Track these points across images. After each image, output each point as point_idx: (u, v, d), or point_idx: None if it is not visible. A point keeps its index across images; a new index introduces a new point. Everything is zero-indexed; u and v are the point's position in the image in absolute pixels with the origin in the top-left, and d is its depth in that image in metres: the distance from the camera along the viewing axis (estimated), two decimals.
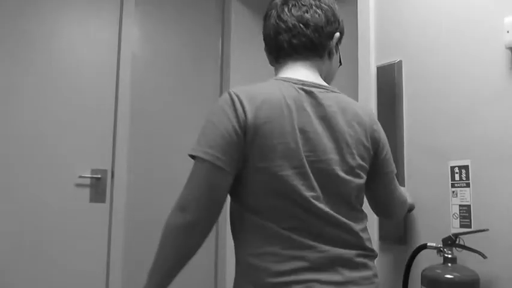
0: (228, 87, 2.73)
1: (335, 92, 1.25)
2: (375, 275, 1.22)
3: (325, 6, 1.28)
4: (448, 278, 1.41)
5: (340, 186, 1.17)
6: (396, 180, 1.40)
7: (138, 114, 2.54)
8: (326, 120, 1.17)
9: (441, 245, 1.49)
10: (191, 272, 2.59)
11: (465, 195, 1.56)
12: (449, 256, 1.46)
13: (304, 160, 1.14)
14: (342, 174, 1.17)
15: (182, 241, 1.10)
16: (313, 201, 1.13)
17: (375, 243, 1.86)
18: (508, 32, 1.46)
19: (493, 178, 1.50)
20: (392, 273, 1.79)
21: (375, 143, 1.26)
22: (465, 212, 1.56)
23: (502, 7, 1.51)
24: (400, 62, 1.84)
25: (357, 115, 1.23)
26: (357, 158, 1.20)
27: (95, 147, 2.42)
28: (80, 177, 2.36)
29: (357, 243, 1.19)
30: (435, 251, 1.51)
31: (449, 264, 1.46)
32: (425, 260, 1.57)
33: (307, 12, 1.25)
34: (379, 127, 1.29)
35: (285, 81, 1.20)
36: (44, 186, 2.29)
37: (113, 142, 2.46)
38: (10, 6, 2.30)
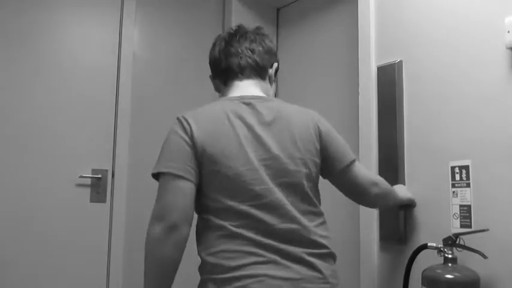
0: None
1: (273, 100, 1.41)
2: (331, 275, 1.29)
3: (264, 43, 1.48)
4: (448, 278, 1.41)
5: (291, 178, 1.30)
6: (358, 167, 1.45)
7: (139, 114, 2.54)
8: (266, 124, 1.32)
9: (441, 245, 1.49)
10: (191, 272, 2.60)
11: (465, 195, 1.56)
12: (450, 256, 1.46)
13: (252, 159, 1.28)
14: (290, 167, 1.30)
15: (164, 249, 1.23)
16: (264, 193, 1.26)
17: (375, 243, 1.86)
18: (508, 32, 1.46)
19: (493, 178, 1.50)
20: (393, 273, 1.79)
21: (320, 137, 1.38)
22: (465, 212, 1.56)
23: (503, 7, 1.51)
24: (401, 62, 1.84)
25: (298, 116, 1.37)
26: (302, 151, 1.32)
27: (96, 147, 2.42)
28: (81, 177, 2.36)
29: (309, 240, 1.27)
30: (435, 251, 1.51)
31: (450, 264, 1.46)
32: (426, 260, 1.57)
33: (252, 43, 1.46)
34: (323, 125, 1.41)
35: (226, 99, 1.38)
36: (44, 186, 2.29)
37: (113, 142, 2.46)
38: (10, 6, 2.30)
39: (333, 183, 1.47)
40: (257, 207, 1.25)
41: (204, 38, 2.81)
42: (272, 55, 1.50)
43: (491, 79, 1.53)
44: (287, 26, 2.84)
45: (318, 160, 1.37)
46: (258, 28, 1.53)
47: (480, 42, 1.57)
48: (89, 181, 2.38)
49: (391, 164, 1.82)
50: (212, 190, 1.28)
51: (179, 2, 2.75)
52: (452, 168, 1.62)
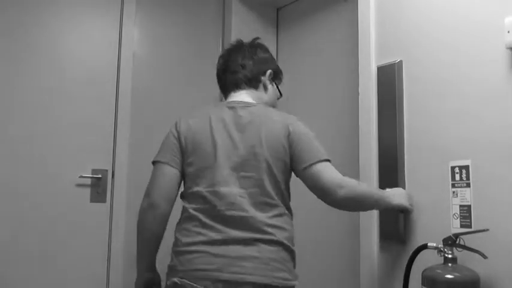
0: None
1: (257, 106, 1.61)
2: (272, 259, 1.43)
3: (256, 55, 1.71)
4: (448, 278, 1.41)
5: (251, 173, 1.50)
6: (324, 168, 1.50)
7: (139, 114, 2.54)
8: (241, 125, 1.55)
9: (441, 245, 1.49)
10: None
11: (465, 196, 1.56)
12: (450, 256, 1.46)
13: (220, 154, 1.51)
14: (252, 163, 1.50)
15: (148, 221, 1.56)
16: (221, 183, 1.49)
17: (375, 243, 1.86)
18: (508, 32, 1.46)
19: (493, 178, 1.50)
20: (393, 273, 1.79)
21: (289, 137, 1.53)
22: (465, 212, 1.56)
23: (503, 7, 1.51)
24: (401, 62, 1.84)
25: (271, 120, 1.56)
26: (267, 150, 1.51)
27: (96, 147, 2.42)
28: (81, 177, 2.36)
29: (255, 227, 1.45)
30: (435, 251, 1.51)
31: (450, 264, 1.46)
32: (426, 260, 1.57)
33: (244, 58, 1.70)
34: (294, 127, 1.55)
35: (217, 104, 1.70)
36: (44, 186, 2.29)
37: (113, 142, 2.46)
38: (10, 7, 2.30)
39: (303, 182, 1.55)
40: (212, 193, 1.49)
41: (204, 38, 2.81)
42: (264, 64, 1.71)
43: (491, 79, 1.53)
44: (287, 26, 2.84)
45: (285, 158, 1.53)
46: (253, 40, 1.77)
47: (480, 42, 1.57)
48: (89, 181, 2.38)
49: (391, 164, 1.82)
50: (187, 179, 1.57)
51: (179, 2, 2.75)
52: (452, 168, 1.62)
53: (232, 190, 1.48)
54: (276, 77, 1.75)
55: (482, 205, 1.52)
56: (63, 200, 2.32)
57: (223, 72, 1.72)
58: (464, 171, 1.58)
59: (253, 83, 1.68)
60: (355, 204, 1.56)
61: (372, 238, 1.88)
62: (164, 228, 1.56)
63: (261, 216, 1.46)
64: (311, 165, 1.50)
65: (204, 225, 1.47)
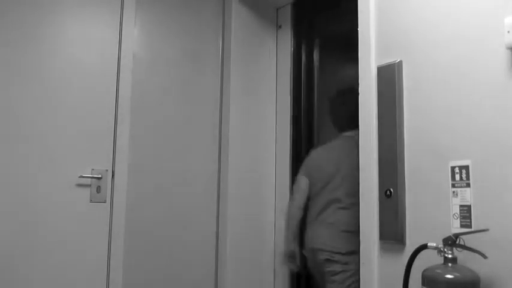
0: (228, 88, 2.74)
1: (353, 137, 2.31)
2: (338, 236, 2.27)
3: (353, 104, 2.13)
4: (448, 278, 1.41)
5: (335, 181, 2.31)
6: None
7: (138, 114, 2.54)
8: (337, 149, 2.42)
9: (441, 245, 1.49)
10: (191, 269, 2.60)
11: (465, 196, 1.57)
12: (450, 256, 1.46)
13: (323, 170, 2.38)
14: (336, 174, 2.32)
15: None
16: (321, 189, 2.37)
17: (375, 243, 1.86)
18: (508, 32, 1.46)
19: (493, 178, 1.50)
20: (393, 273, 1.79)
21: None
22: (465, 212, 1.56)
23: (502, 8, 1.51)
24: (401, 62, 1.84)
25: (348, 148, 2.31)
26: (343, 164, 2.32)
27: (96, 147, 2.42)
28: (81, 177, 2.36)
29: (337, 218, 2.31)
30: (435, 251, 1.51)
31: (450, 265, 1.46)
32: (426, 260, 1.57)
33: (342, 105, 2.43)
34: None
35: (337, 136, 2.47)
36: (44, 186, 2.29)
37: (113, 142, 2.46)
38: (11, 7, 2.30)
39: None
40: (319, 195, 2.36)
41: (204, 37, 2.81)
42: None
43: (491, 79, 1.53)
44: (287, 26, 2.84)
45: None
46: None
47: (480, 42, 1.57)
48: (89, 181, 2.38)
49: (391, 164, 1.82)
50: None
51: (179, 2, 2.75)
52: (452, 168, 1.62)
53: (326, 194, 2.30)
54: None
55: (482, 205, 1.52)
56: (63, 200, 2.32)
57: (329, 114, 2.48)
58: (464, 171, 1.58)
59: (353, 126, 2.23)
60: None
61: (372, 238, 1.87)
62: (301, 214, 2.42)
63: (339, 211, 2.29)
64: None
65: (317, 214, 2.34)
